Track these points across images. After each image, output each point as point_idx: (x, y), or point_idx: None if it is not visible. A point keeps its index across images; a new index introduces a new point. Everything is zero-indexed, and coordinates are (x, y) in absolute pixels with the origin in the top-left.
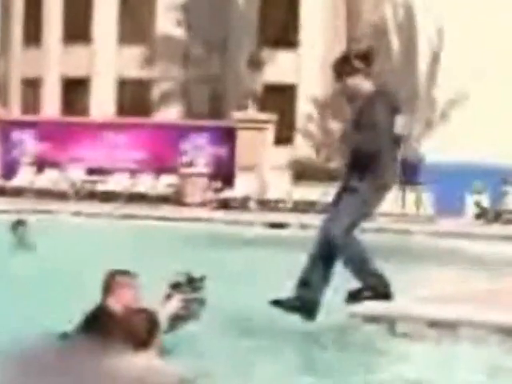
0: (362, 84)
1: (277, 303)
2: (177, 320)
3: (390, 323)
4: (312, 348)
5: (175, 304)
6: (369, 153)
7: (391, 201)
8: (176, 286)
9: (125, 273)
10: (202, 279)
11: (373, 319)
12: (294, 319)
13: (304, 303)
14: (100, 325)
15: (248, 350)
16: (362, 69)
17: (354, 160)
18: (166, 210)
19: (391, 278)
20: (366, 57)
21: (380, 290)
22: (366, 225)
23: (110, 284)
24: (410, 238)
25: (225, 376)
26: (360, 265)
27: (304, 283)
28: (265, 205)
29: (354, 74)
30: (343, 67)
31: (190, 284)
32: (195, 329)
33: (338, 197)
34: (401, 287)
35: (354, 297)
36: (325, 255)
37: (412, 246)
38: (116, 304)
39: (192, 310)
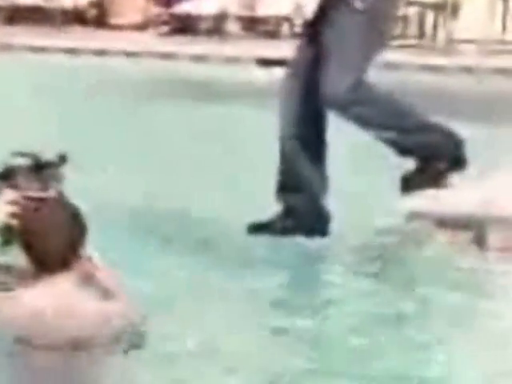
0: None
1: (258, 229)
2: (10, 232)
3: (478, 229)
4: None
5: (5, 208)
6: None
7: (483, 19)
8: (5, 177)
9: None
10: (59, 163)
11: (443, 222)
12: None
13: (301, 216)
14: None
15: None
16: None
17: None
18: (78, 37)
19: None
20: None
21: (448, 152)
22: (438, 61)
23: None
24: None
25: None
26: (395, 122)
27: (290, 185)
28: (256, 26)
29: None
30: None
31: (36, 173)
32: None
33: (322, 18)
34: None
35: (411, 181)
36: (316, 129)
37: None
38: None
39: None
